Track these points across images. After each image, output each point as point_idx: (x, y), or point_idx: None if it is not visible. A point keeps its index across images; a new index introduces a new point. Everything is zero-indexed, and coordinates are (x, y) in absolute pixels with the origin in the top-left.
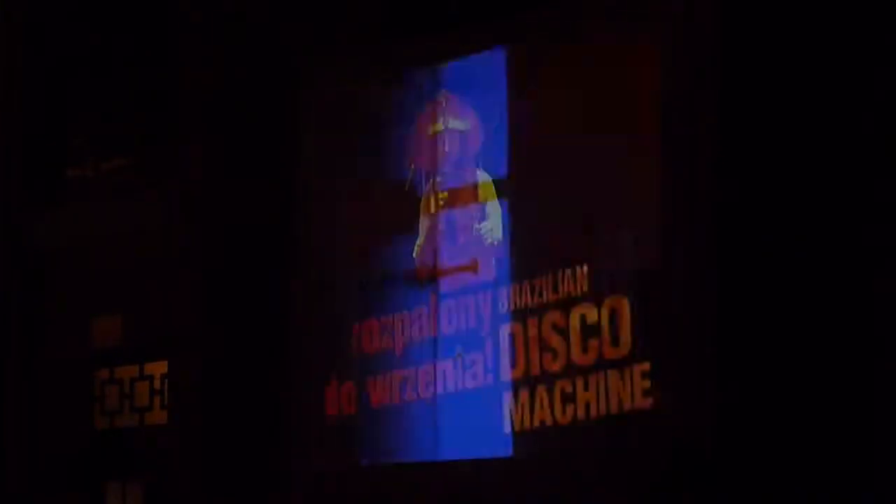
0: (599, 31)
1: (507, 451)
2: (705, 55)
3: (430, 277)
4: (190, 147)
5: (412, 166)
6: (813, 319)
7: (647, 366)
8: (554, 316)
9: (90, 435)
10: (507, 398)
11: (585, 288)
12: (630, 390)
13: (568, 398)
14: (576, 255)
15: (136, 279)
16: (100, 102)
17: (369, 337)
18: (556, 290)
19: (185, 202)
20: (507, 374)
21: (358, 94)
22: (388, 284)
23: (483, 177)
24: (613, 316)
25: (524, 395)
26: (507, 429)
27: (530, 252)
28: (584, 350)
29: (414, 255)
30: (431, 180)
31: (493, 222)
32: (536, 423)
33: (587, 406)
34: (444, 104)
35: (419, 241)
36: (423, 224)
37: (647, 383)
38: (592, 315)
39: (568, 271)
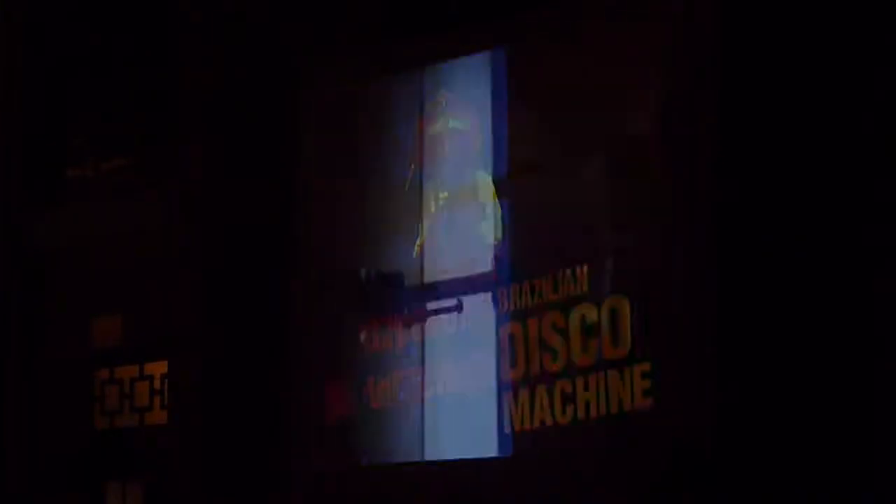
0: (599, 31)
1: (506, 451)
2: (705, 55)
3: (417, 320)
4: (190, 147)
5: (412, 166)
6: (813, 319)
7: (647, 366)
8: (554, 316)
9: (90, 435)
10: (507, 398)
11: (585, 288)
12: (630, 390)
13: (568, 398)
14: (576, 255)
15: (136, 279)
16: (100, 102)
17: (369, 337)
18: (556, 290)
19: (185, 202)
20: (507, 374)
21: (358, 94)
22: (388, 284)
23: (483, 177)
24: (613, 316)
25: (524, 395)
26: (507, 429)
27: (530, 252)
28: (584, 350)
29: (414, 255)
30: (431, 180)
31: (493, 222)
32: (536, 423)
33: (587, 406)
34: (444, 104)
35: (419, 241)
36: (424, 224)
37: (647, 383)
38: (592, 315)
39: (568, 271)
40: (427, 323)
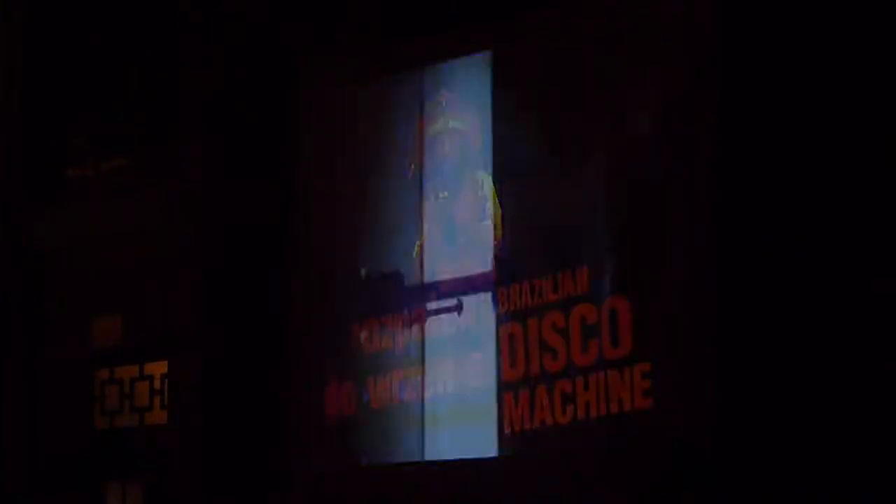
0: (599, 31)
1: (507, 450)
2: (705, 55)
3: (416, 320)
4: (190, 147)
5: (412, 166)
6: (813, 319)
7: (647, 366)
8: (554, 316)
9: (90, 435)
10: (508, 398)
11: (585, 288)
12: (630, 390)
13: (568, 398)
14: (576, 255)
15: (136, 279)
16: (100, 102)
17: (369, 337)
18: (556, 290)
19: (185, 202)
20: (507, 374)
21: (358, 94)
22: (388, 284)
23: (483, 177)
24: (613, 316)
25: (524, 395)
26: (507, 429)
27: (530, 252)
28: (584, 350)
29: (414, 255)
30: (431, 180)
31: (493, 222)
32: (536, 423)
33: (587, 406)
34: (444, 104)
35: (419, 241)
36: (424, 224)
37: (647, 383)
38: (592, 315)
39: (568, 271)
40: (427, 323)
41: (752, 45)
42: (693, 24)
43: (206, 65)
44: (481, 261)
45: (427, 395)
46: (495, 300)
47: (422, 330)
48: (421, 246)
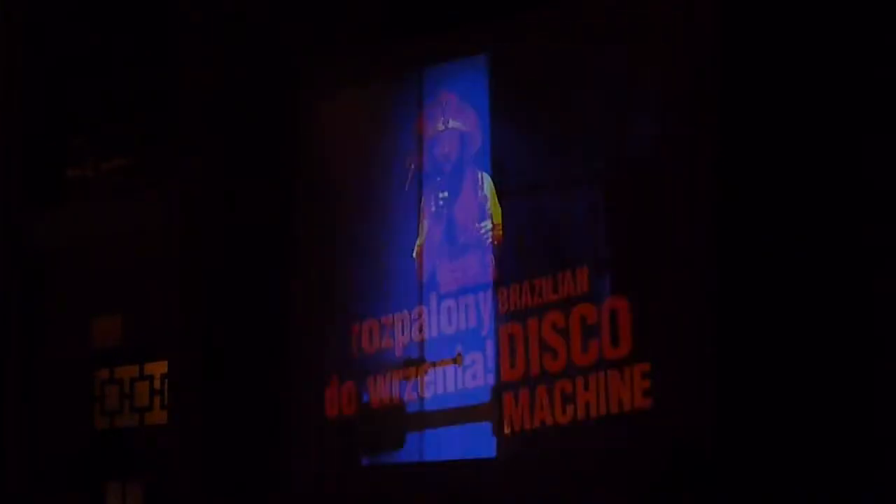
0: (599, 31)
1: (507, 450)
2: (705, 55)
3: (417, 367)
4: (190, 147)
5: (412, 166)
6: (813, 319)
7: (647, 366)
8: (554, 316)
9: (90, 435)
10: (508, 398)
11: (585, 288)
12: (630, 390)
13: (568, 398)
14: (576, 255)
15: (136, 279)
16: (100, 102)
17: (369, 337)
18: (556, 290)
19: (185, 202)
20: (507, 374)
21: (358, 94)
22: (388, 284)
23: (483, 177)
24: (613, 316)
25: (524, 395)
26: (507, 429)
27: (530, 252)
28: (584, 350)
29: (414, 255)
30: (431, 180)
31: (493, 222)
32: (536, 423)
33: (587, 406)
34: (444, 104)
35: (419, 241)
36: (424, 224)
37: (647, 383)
38: (592, 315)
39: (568, 271)
40: (427, 323)
41: (752, 44)
42: (693, 24)
43: (206, 65)
44: (481, 261)
45: (427, 395)
46: (495, 300)
47: (422, 330)
48: (421, 246)
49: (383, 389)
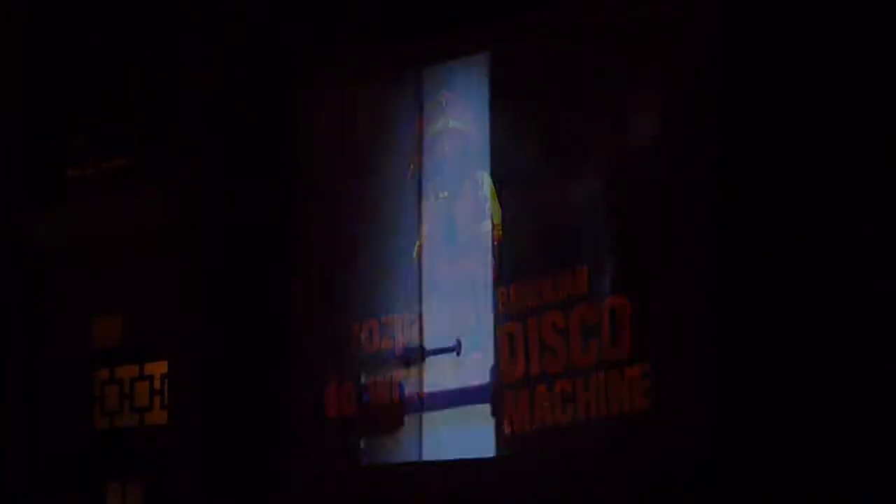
0: (599, 31)
1: (507, 451)
2: (705, 55)
3: (417, 367)
4: (190, 147)
5: (412, 166)
6: (813, 319)
7: (646, 366)
8: (554, 316)
9: (90, 435)
10: (508, 398)
11: (585, 288)
12: (630, 391)
13: (568, 398)
14: (576, 255)
15: (136, 279)
16: (100, 102)
17: (369, 337)
18: (556, 290)
19: (185, 202)
20: (506, 374)
21: (358, 94)
22: (388, 284)
23: (483, 177)
24: (613, 316)
25: (524, 395)
26: (507, 429)
27: (530, 252)
28: (584, 350)
29: (414, 255)
30: (431, 180)
31: (493, 222)
32: (536, 423)
33: (587, 406)
34: (444, 104)
35: (419, 241)
36: (424, 224)
37: (647, 384)
38: (592, 315)
39: (568, 271)
40: (427, 323)
41: (753, 45)
42: (693, 24)
43: (206, 65)
44: (481, 261)
45: (427, 394)
46: (495, 300)
47: (421, 330)
48: (421, 246)
49: (383, 389)
